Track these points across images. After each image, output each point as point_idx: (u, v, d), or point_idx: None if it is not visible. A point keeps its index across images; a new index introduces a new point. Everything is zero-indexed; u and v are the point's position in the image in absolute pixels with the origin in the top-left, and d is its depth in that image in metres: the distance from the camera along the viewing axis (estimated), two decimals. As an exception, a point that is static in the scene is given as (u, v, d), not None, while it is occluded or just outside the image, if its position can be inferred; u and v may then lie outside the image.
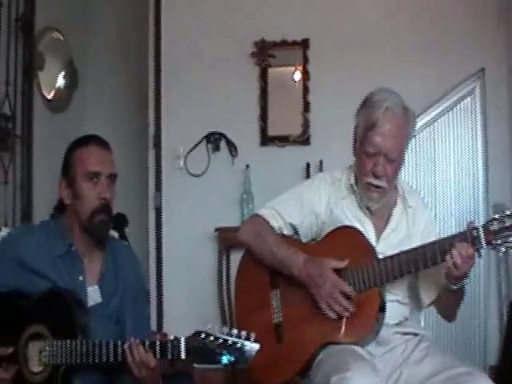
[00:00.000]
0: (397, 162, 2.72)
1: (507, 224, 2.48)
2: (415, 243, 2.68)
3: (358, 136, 2.78)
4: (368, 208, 2.80)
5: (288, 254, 2.77)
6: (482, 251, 2.56)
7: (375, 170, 2.69)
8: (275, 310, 2.81)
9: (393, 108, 2.68)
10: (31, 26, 5.14)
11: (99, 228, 2.58)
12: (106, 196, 2.56)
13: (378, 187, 2.72)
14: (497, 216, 2.49)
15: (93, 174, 2.55)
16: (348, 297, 2.63)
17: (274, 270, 2.84)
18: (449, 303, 2.78)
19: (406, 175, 4.62)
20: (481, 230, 2.50)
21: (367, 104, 2.75)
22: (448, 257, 2.51)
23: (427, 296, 2.81)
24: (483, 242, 2.50)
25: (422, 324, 2.97)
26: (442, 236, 2.64)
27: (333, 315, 2.65)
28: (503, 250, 2.50)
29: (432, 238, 2.67)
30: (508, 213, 2.48)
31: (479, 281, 4.62)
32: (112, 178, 2.60)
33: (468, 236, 2.52)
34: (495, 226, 2.49)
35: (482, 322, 4.69)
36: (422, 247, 2.60)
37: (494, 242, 2.50)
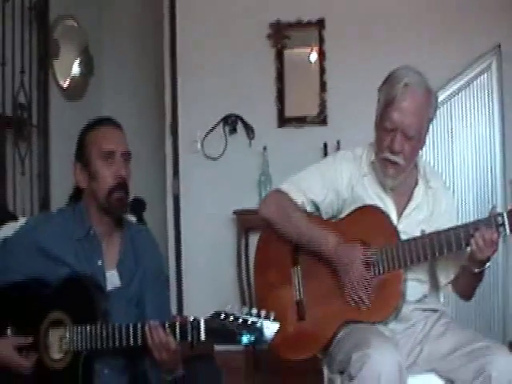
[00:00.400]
0: (415, 140, 2.70)
1: None
2: (436, 224, 2.69)
3: (379, 111, 2.77)
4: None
5: (319, 233, 2.75)
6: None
7: (392, 145, 2.68)
8: (296, 286, 2.81)
9: (412, 85, 2.67)
10: (45, 14, 5.14)
11: (117, 206, 2.55)
12: (122, 174, 2.54)
13: (394, 163, 2.71)
14: None
15: (107, 153, 2.53)
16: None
17: (295, 247, 2.83)
18: (467, 284, 2.78)
19: (423, 152, 4.59)
20: (505, 216, 2.53)
21: (388, 80, 2.76)
22: (472, 240, 2.52)
23: (444, 276, 2.80)
24: (508, 229, 2.52)
25: (442, 301, 2.96)
26: (462, 219, 2.66)
27: (352, 303, 2.67)
28: None
29: (452, 222, 2.69)
30: None
31: (498, 256, 4.58)
32: (126, 156, 2.58)
33: (493, 222, 2.53)
34: None
35: (501, 297, 4.69)
36: (447, 231, 2.60)
37: None
